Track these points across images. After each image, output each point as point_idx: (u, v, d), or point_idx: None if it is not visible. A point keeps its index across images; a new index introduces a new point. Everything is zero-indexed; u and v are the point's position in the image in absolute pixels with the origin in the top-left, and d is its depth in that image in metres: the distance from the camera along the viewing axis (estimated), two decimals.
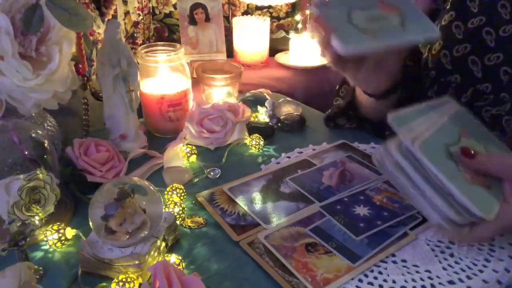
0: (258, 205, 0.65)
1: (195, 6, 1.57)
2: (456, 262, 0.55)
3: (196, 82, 0.95)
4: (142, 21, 1.54)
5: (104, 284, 0.51)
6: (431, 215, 0.52)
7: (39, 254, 0.57)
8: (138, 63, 0.79)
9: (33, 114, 0.67)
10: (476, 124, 0.59)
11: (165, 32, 1.69)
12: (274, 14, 1.78)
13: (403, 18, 0.61)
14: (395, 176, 0.53)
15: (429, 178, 0.51)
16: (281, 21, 1.80)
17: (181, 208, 0.61)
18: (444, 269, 0.54)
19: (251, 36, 1.56)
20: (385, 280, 0.52)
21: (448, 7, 0.73)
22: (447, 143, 0.53)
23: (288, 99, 0.98)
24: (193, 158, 0.78)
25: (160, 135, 0.86)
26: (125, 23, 1.48)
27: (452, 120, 0.57)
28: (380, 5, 0.62)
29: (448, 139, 0.54)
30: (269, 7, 1.75)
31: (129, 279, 0.49)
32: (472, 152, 0.52)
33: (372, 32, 0.58)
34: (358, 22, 0.59)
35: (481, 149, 0.54)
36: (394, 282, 0.52)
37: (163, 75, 0.83)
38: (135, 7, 1.50)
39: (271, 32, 1.71)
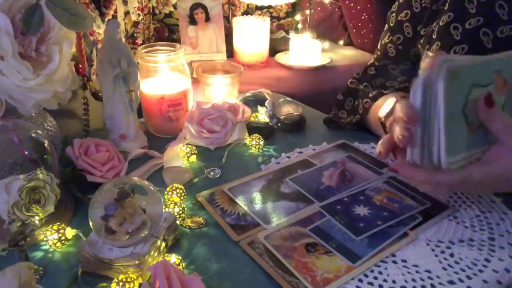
0: (258, 205, 0.65)
1: (195, 6, 1.56)
2: (456, 262, 0.55)
3: (196, 82, 0.95)
4: (142, 21, 1.54)
5: (104, 284, 0.51)
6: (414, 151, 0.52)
7: (39, 254, 0.57)
8: (138, 63, 0.79)
9: (33, 114, 0.67)
10: None
11: (165, 32, 1.69)
12: (274, 14, 1.78)
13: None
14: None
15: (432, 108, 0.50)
16: (281, 21, 1.80)
17: (181, 208, 0.61)
18: (444, 269, 0.54)
19: (251, 36, 1.56)
20: (385, 280, 0.52)
21: (446, 8, 0.73)
22: (475, 81, 0.51)
23: (288, 99, 0.98)
24: (193, 158, 0.78)
25: (160, 135, 0.86)
26: (125, 23, 1.48)
27: (498, 59, 0.53)
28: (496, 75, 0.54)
29: (480, 76, 0.51)
30: (269, 7, 1.75)
31: (129, 279, 0.49)
32: (493, 102, 0.51)
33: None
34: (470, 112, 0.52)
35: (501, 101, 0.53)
36: (394, 282, 0.52)
37: (163, 75, 0.83)
38: (135, 7, 1.50)
39: (271, 32, 1.71)
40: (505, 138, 0.52)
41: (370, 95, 0.80)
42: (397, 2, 0.85)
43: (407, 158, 0.54)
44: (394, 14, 0.84)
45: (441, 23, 0.72)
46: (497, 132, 0.52)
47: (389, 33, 0.86)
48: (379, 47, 0.89)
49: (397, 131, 0.53)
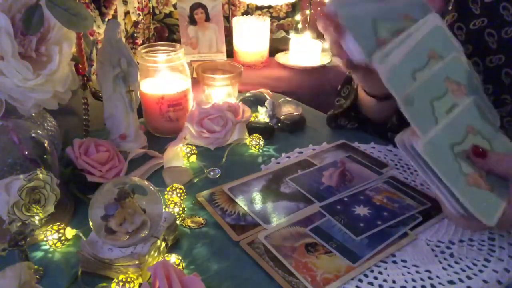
0: (258, 205, 0.65)
1: (195, 6, 1.57)
2: (456, 262, 0.55)
3: (196, 82, 0.95)
4: (142, 21, 1.54)
5: (104, 284, 0.51)
6: (446, 204, 0.51)
7: (39, 254, 0.57)
8: (138, 63, 0.79)
9: (33, 114, 0.67)
10: (484, 116, 0.57)
11: (165, 32, 1.69)
12: (274, 14, 1.78)
13: None
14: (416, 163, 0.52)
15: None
16: (281, 21, 1.80)
17: (181, 208, 0.61)
18: (444, 269, 0.54)
19: (251, 36, 1.56)
20: (385, 280, 0.52)
21: (450, 8, 0.73)
22: (452, 142, 0.52)
23: (288, 99, 0.98)
24: (193, 158, 0.78)
25: (160, 135, 0.86)
26: (125, 23, 1.48)
27: (467, 109, 0.54)
28: (399, 15, 0.58)
29: (454, 137, 0.52)
30: (269, 7, 1.75)
31: (129, 279, 0.49)
32: (483, 151, 0.51)
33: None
34: (381, 33, 0.55)
35: (487, 147, 0.53)
36: (394, 282, 0.52)
37: (163, 75, 0.83)
38: (135, 7, 1.50)
39: (271, 32, 1.71)
40: None
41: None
42: None
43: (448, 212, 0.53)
44: None
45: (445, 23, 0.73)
46: (507, 174, 0.51)
47: None
48: None
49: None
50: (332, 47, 0.59)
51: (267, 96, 0.99)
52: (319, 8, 1.68)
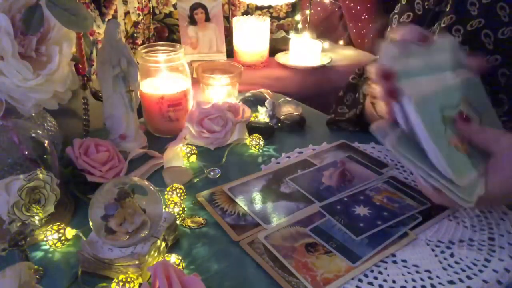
0: (258, 205, 0.65)
1: (195, 6, 1.56)
2: (456, 262, 0.55)
3: (196, 82, 0.95)
4: (142, 21, 1.54)
5: (104, 284, 0.51)
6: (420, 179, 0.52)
7: (39, 254, 0.57)
8: (138, 63, 0.79)
9: (33, 114, 0.67)
10: (481, 95, 0.57)
11: (165, 32, 1.69)
12: (274, 14, 1.78)
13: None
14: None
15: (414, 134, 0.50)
16: (281, 21, 1.80)
17: (181, 208, 0.61)
18: (444, 269, 0.54)
19: (251, 36, 1.56)
20: (385, 280, 0.52)
21: (448, 10, 0.73)
22: (444, 105, 0.52)
23: (288, 99, 0.98)
24: (193, 158, 0.78)
25: (160, 135, 0.86)
26: (125, 23, 1.48)
27: (458, 85, 0.54)
28: (462, 100, 0.54)
29: (447, 101, 0.52)
30: (269, 7, 1.75)
31: (129, 279, 0.49)
32: (468, 117, 0.52)
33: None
34: (450, 130, 0.52)
35: (476, 121, 0.54)
36: (394, 282, 0.52)
37: (163, 75, 0.83)
38: (135, 7, 1.50)
39: (271, 32, 1.71)
40: (493, 148, 0.51)
41: (370, 82, 0.80)
42: (399, 4, 0.85)
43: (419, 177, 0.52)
44: (396, 16, 0.85)
45: (442, 25, 0.72)
46: (484, 144, 0.52)
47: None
48: None
49: (379, 106, 0.53)
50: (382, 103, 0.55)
51: (267, 96, 0.99)
52: (307, 12, 1.68)
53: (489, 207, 0.64)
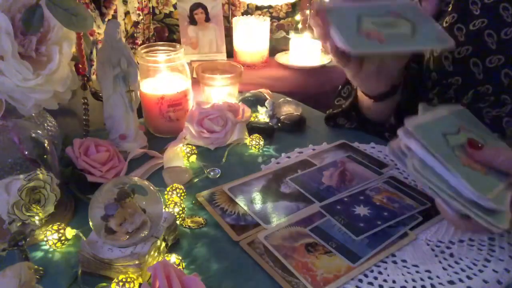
0: (258, 205, 0.65)
1: (195, 6, 1.57)
2: (456, 262, 0.55)
3: (196, 82, 0.95)
4: (142, 21, 1.54)
5: (104, 284, 0.51)
6: (444, 207, 0.51)
7: (39, 254, 0.57)
8: (138, 63, 0.79)
9: (33, 114, 0.67)
10: (476, 122, 0.59)
11: (165, 32, 1.69)
12: (274, 14, 1.78)
13: (414, 27, 0.61)
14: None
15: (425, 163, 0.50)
16: (281, 21, 1.80)
17: (181, 208, 0.61)
18: (444, 269, 0.54)
19: (251, 36, 1.56)
20: (385, 280, 0.52)
21: (450, 9, 0.73)
22: (445, 132, 0.52)
23: (288, 99, 0.98)
24: (193, 158, 0.78)
25: (160, 135, 0.86)
26: (125, 23, 1.48)
27: (453, 114, 0.56)
28: (392, 13, 0.63)
29: (447, 129, 0.53)
30: (269, 7, 1.75)
31: (129, 279, 0.49)
32: (480, 144, 0.51)
33: (380, 36, 0.59)
34: (366, 26, 0.60)
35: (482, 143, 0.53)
36: (394, 282, 0.52)
37: (163, 75, 0.83)
38: (135, 7, 1.50)
39: (271, 32, 1.71)
40: None
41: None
42: None
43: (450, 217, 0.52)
44: None
45: (444, 24, 0.73)
46: (503, 167, 0.51)
47: None
48: None
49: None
50: (320, 37, 0.63)
51: (267, 96, 0.99)
52: (307, 12, 1.69)
53: None
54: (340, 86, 0.89)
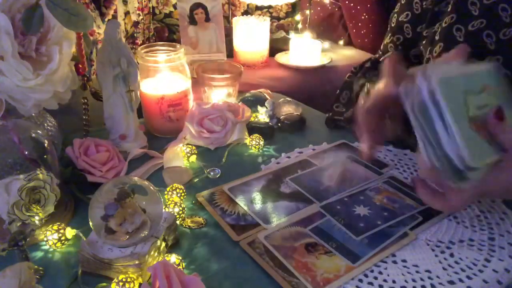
0: (258, 205, 0.65)
1: (195, 6, 1.56)
2: (456, 262, 0.55)
3: (196, 82, 0.95)
4: (142, 21, 1.54)
5: (104, 284, 0.51)
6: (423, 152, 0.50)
7: (39, 254, 0.57)
8: (138, 63, 0.79)
9: (33, 114, 0.67)
10: (503, 86, 0.55)
11: (165, 32, 1.69)
12: (274, 14, 1.78)
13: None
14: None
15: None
16: (281, 21, 1.80)
17: (181, 208, 0.61)
18: (444, 269, 0.54)
19: (251, 36, 1.56)
20: (385, 280, 0.52)
21: (449, 10, 0.73)
22: (467, 90, 0.50)
23: (288, 99, 0.98)
24: (193, 158, 0.78)
25: (160, 135, 0.86)
26: (125, 23, 1.48)
27: (482, 72, 0.54)
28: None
29: (470, 86, 0.51)
30: (269, 7, 1.75)
31: (129, 279, 0.49)
32: (503, 114, 0.50)
33: None
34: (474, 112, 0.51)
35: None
36: (394, 282, 0.52)
37: (163, 75, 0.83)
38: (135, 7, 1.50)
39: (271, 32, 1.71)
40: None
41: (360, 82, 0.81)
42: (398, 3, 0.85)
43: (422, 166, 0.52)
44: (395, 15, 0.85)
45: (443, 25, 0.73)
46: (509, 144, 0.50)
47: (390, 34, 0.86)
48: (381, 47, 0.90)
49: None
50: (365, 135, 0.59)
51: (267, 96, 0.99)
52: (307, 12, 1.68)
53: (479, 199, 0.63)
54: (338, 91, 0.88)
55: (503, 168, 0.50)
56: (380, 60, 0.83)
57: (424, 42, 0.78)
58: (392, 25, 0.85)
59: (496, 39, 0.67)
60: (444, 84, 0.49)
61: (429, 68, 0.50)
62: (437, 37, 0.74)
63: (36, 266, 0.53)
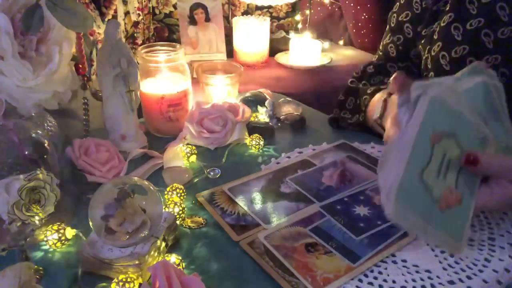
0: (258, 205, 0.65)
1: (195, 6, 1.56)
2: (456, 262, 0.55)
3: (196, 82, 0.95)
4: (142, 21, 1.54)
5: (104, 284, 0.51)
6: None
7: (39, 254, 0.57)
8: (138, 63, 0.79)
9: (33, 114, 0.67)
10: (493, 103, 0.54)
11: (165, 32, 1.69)
12: (274, 14, 1.78)
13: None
14: None
15: None
16: (281, 21, 1.80)
17: (181, 208, 0.61)
18: (444, 269, 0.54)
19: (251, 36, 1.56)
20: (385, 280, 0.52)
21: (447, 9, 0.73)
22: (421, 169, 0.50)
23: (288, 99, 0.98)
24: (193, 158, 0.78)
25: (160, 135, 0.86)
26: (125, 23, 1.48)
27: (471, 89, 0.53)
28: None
29: (421, 162, 0.51)
30: (269, 7, 1.75)
31: (129, 279, 0.49)
32: (475, 157, 0.50)
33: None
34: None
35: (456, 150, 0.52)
36: (394, 282, 0.52)
37: (163, 75, 0.83)
38: (135, 7, 1.50)
39: (271, 32, 1.71)
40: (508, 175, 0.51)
41: (369, 91, 0.81)
42: (397, 3, 0.85)
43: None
44: (394, 15, 0.85)
45: (442, 24, 0.73)
46: (498, 176, 0.52)
47: (390, 34, 0.86)
48: (380, 47, 0.90)
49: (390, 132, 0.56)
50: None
51: (267, 96, 0.99)
52: (307, 12, 1.68)
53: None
54: (342, 96, 0.88)
55: (492, 189, 0.51)
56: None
57: (423, 41, 0.78)
58: (392, 25, 0.85)
59: (494, 38, 0.67)
60: (402, 194, 0.49)
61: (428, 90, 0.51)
62: (435, 36, 0.74)
63: (36, 266, 0.53)
